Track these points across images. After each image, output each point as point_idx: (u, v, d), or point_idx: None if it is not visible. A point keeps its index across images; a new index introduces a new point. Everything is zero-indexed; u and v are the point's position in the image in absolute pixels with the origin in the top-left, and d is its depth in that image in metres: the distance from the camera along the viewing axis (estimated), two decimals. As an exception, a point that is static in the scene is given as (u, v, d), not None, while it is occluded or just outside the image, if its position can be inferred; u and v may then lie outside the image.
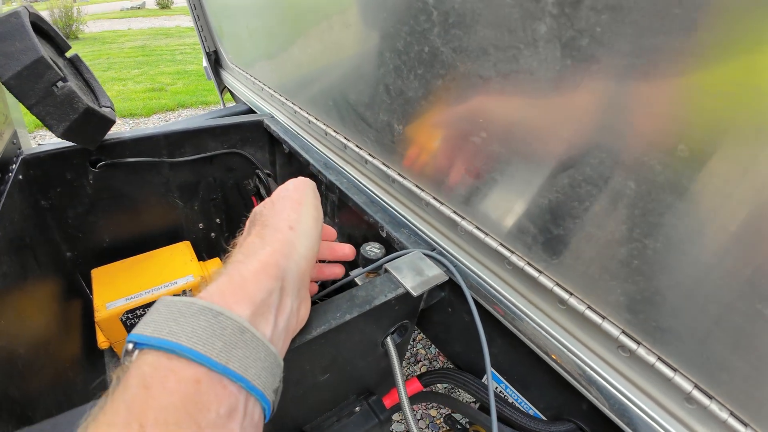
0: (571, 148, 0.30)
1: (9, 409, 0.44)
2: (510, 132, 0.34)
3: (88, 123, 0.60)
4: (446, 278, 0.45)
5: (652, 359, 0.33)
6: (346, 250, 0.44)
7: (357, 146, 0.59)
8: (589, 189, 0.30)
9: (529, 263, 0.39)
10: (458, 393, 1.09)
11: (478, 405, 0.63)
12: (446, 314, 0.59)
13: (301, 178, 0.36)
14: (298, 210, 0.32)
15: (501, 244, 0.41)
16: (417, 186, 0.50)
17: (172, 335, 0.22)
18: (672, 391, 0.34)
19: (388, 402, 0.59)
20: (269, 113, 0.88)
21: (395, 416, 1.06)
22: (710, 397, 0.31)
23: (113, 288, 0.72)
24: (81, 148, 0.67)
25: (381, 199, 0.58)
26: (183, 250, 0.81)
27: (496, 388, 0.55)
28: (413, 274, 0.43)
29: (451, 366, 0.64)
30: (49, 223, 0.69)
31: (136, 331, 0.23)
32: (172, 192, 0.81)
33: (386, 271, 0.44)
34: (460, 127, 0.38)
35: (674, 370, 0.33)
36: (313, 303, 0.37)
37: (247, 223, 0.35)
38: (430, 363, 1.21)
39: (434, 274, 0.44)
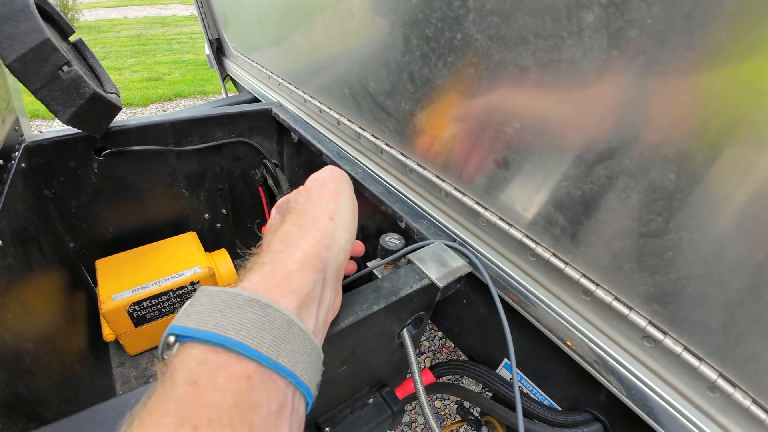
0: (612, 139, 0.29)
1: (19, 409, 0.43)
2: (546, 122, 0.33)
3: (94, 109, 0.58)
4: (469, 269, 0.45)
5: (678, 349, 0.34)
6: (358, 247, 0.44)
7: (373, 136, 0.58)
8: (627, 181, 0.30)
9: (555, 254, 0.39)
10: (462, 383, 1.10)
11: (489, 396, 0.64)
12: (461, 306, 0.59)
13: (334, 167, 0.36)
14: (337, 200, 0.32)
15: (526, 236, 0.41)
16: (437, 176, 0.49)
17: (219, 328, 0.21)
18: (695, 380, 0.34)
19: (400, 393, 0.59)
20: (277, 102, 0.86)
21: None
22: (734, 386, 0.32)
23: (118, 279, 0.70)
24: (85, 136, 0.65)
25: (397, 189, 0.57)
26: (189, 240, 0.80)
27: (511, 379, 0.56)
28: (437, 265, 0.43)
29: (461, 357, 0.64)
30: (51, 214, 0.68)
31: (176, 322, 0.22)
32: (179, 181, 0.79)
33: (409, 261, 0.44)
34: (492, 116, 0.38)
35: (700, 359, 0.33)
36: None
37: (274, 210, 0.34)
38: (434, 355, 1.22)
39: (458, 265, 0.44)
